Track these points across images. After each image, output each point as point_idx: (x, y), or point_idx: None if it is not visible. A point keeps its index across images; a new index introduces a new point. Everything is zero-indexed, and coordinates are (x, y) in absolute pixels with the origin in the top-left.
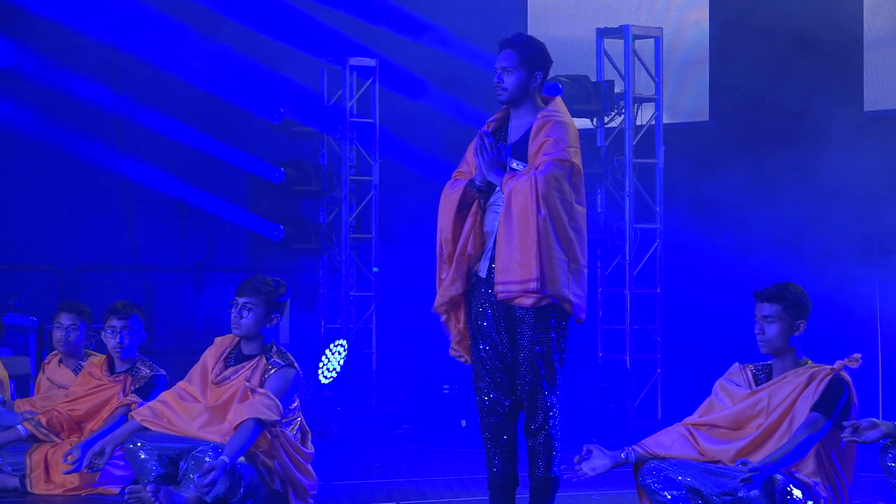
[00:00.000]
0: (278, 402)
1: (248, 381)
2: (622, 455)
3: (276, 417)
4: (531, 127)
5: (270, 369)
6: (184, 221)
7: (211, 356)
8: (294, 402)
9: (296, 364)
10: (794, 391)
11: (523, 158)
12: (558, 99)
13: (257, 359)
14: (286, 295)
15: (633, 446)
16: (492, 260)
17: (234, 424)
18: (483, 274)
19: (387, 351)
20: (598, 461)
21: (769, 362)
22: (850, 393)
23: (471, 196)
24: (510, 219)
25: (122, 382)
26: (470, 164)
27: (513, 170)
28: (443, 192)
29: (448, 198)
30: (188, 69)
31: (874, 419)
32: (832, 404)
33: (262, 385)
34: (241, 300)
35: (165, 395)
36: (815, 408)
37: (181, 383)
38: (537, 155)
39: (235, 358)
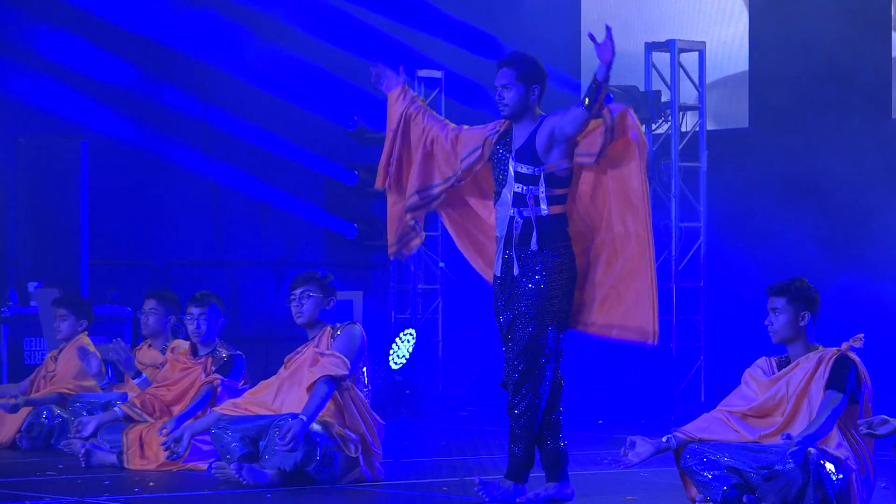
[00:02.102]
0: (346, 360)
1: (316, 347)
2: (664, 440)
3: (345, 372)
4: (533, 133)
5: (336, 332)
6: (266, 220)
7: (288, 357)
8: (363, 365)
9: (357, 323)
10: (807, 375)
11: (527, 161)
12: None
13: (321, 332)
14: (335, 282)
15: (674, 432)
16: (506, 259)
17: (307, 386)
18: (499, 272)
19: (452, 339)
20: (641, 448)
21: (788, 354)
22: (856, 368)
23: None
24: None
25: (204, 363)
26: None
27: (518, 174)
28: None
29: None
30: (270, 81)
31: (885, 416)
32: (843, 380)
33: (329, 348)
34: (297, 290)
35: (248, 391)
36: (828, 386)
37: (263, 381)
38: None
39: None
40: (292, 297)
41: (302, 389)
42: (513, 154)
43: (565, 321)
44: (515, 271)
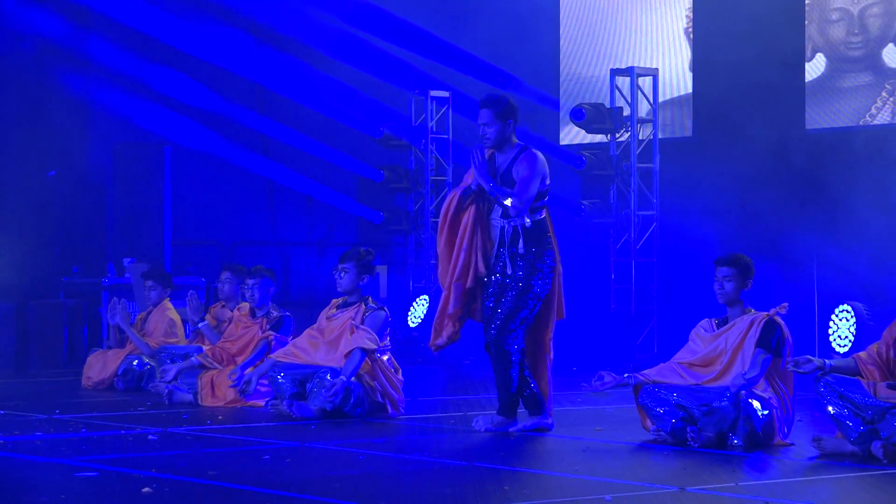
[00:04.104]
0: (375, 335)
1: (352, 319)
2: (624, 376)
3: (374, 346)
4: (511, 163)
5: (367, 311)
6: (310, 209)
7: (326, 309)
8: (385, 339)
9: (385, 308)
10: (741, 334)
11: (509, 185)
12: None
13: (358, 304)
14: (375, 260)
15: (633, 374)
16: (498, 256)
17: (345, 352)
18: (496, 269)
19: None
20: (607, 378)
21: (727, 315)
22: (781, 330)
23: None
24: None
25: (260, 323)
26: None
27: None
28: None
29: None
30: (314, 99)
31: (809, 356)
32: (769, 339)
33: (362, 323)
34: (340, 266)
35: (296, 339)
36: (758, 344)
37: (307, 330)
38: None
39: (343, 306)
40: (336, 269)
41: (338, 352)
42: (497, 178)
43: (538, 299)
44: (508, 270)
